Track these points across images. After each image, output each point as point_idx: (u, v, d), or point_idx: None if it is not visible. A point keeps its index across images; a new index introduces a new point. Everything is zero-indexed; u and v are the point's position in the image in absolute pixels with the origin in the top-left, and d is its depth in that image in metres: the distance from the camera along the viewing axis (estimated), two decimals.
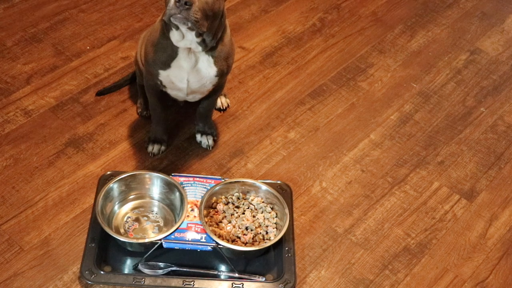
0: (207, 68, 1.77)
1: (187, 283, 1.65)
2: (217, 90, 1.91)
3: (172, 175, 1.82)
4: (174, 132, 2.09)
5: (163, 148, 2.01)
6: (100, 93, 2.16)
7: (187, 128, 2.10)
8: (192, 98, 1.92)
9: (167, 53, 1.74)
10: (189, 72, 1.76)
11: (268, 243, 1.71)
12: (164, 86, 1.84)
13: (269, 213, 1.81)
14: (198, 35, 1.66)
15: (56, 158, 1.97)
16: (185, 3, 1.52)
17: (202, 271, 1.69)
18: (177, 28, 1.65)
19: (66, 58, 2.29)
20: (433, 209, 1.96)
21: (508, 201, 2.01)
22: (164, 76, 1.79)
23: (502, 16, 2.73)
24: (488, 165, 2.11)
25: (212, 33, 1.68)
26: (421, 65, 2.45)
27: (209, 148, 2.04)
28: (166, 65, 1.76)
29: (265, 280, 1.68)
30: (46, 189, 1.88)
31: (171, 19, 1.56)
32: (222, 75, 1.81)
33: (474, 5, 2.77)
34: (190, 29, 1.61)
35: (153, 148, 2.00)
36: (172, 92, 1.88)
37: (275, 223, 1.79)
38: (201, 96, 1.92)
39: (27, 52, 2.30)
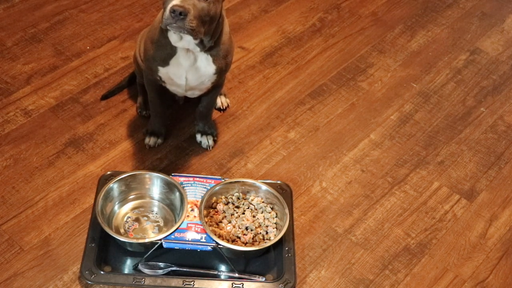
0: (206, 67, 1.77)
1: (187, 283, 1.65)
2: (216, 87, 1.91)
3: (172, 175, 1.82)
4: (174, 132, 2.09)
5: (159, 141, 2.02)
6: (104, 97, 2.16)
7: (187, 128, 2.10)
8: (191, 94, 1.93)
9: (166, 51, 1.75)
10: (187, 70, 1.77)
11: (268, 243, 1.71)
12: (163, 82, 1.85)
13: (269, 213, 1.81)
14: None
15: (56, 158, 1.97)
16: (180, 14, 1.53)
17: (202, 271, 1.69)
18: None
19: (66, 58, 2.29)
20: (433, 209, 1.96)
21: (508, 201, 2.01)
22: (163, 72, 1.80)
23: (502, 16, 2.73)
24: (488, 165, 2.11)
25: (209, 34, 1.69)
26: (421, 65, 2.45)
27: (209, 148, 2.04)
28: (165, 63, 1.77)
29: (265, 280, 1.68)
30: (46, 189, 1.88)
31: (168, 27, 1.58)
32: (221, 72, 1.82)
33: (474, 5, 2.77)
34: (188, 34, 1.62)
35: (150, 140, 2.01)
36: (171, 88, 1.89)
37: (275, 223, 1.79)
38: (200, 92, 1.92)
39: (27, 52, 2.30)
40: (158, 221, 1.79)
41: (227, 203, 1.82)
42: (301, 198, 1.94)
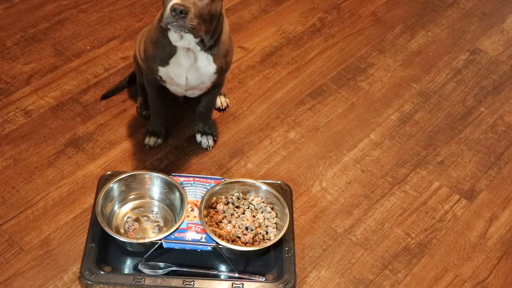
0: (206, 66, 1.77)
1: (187, 283, 1.65)
2: (216, 87, 1.91)
3: (172, 175, 1.82)
4: (174, 132, 2.09)
5: (159, 141, 2.02)
6: (104, 97, 2.16)
7: (187, 128, 2.10)
8: (191, 93, 1.93)
9: (166, 51, 1.75)
10: (187, 70, 1.77)
11: (268, 243, 1.71)
12: (164, 81, 1.85)
13: (269, 213, 1.81)
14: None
15: (56, 158, 1.97)
16: (181, 12, 1.53)
17: (202, 271, 1.69)
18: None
19: (66, 58, 2.29)
20: (433, 209, 1.96)
21: (508, 201, 2.01)
22: (163, 72, 1.80)
23: (502, 16, 2.73)
24: (488, 165, 2.11)
25: (210, 33, 1.69)
26: (421, 65, 2.45)
27: (209, 148, 2.04)
28: (165, 62, 1.77)
29: (265, 280, 1.68)
30: (46, 189, 1.88)
31: (168, 26, 1.57)
32: (221, 72, 1.82)
33: (474, 5, 2.77)
34: (189, 32, 1.62)
35: (150, 140, 2.01)
36: (171, 87, 1.89)
37: (275, 223, 1.79)
38: (200, 92, 1.92)
39: (27, 52, 2.30)
40: (158, 221, 1.79)
41: (227, 203, 1.82)
42: (301, 198, 1.94)
